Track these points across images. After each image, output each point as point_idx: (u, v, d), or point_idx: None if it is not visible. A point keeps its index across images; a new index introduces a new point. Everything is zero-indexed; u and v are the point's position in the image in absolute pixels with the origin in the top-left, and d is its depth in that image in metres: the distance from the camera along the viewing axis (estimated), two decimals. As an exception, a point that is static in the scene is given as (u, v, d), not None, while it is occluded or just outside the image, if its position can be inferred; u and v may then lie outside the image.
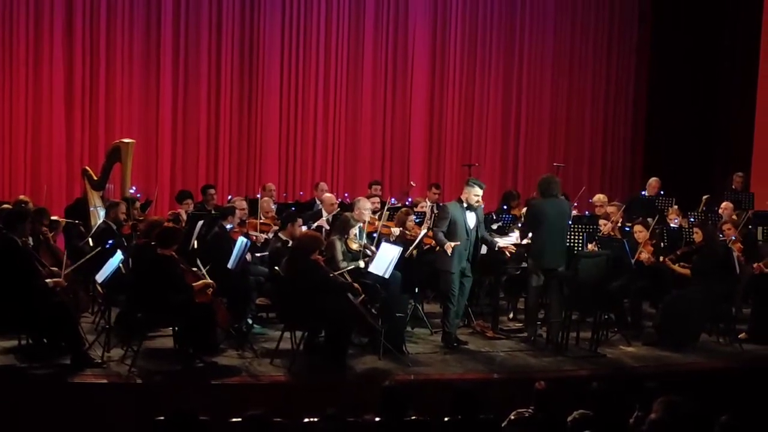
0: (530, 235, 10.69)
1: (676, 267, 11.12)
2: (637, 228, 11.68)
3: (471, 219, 10.28)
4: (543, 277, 10.51)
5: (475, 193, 10.31)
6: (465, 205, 10.30)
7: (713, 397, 8.19)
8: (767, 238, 12.58)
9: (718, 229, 12.25)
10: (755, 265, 11.34)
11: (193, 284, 9.26)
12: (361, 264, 10.34)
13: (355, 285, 9.78)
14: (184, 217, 12.24)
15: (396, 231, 11.49)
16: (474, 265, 10.43)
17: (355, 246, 10.60)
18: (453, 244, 10.05)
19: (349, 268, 10.19)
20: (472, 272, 10.47)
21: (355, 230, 10.73)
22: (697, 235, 11.19)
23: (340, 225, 10.75)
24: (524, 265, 11.15)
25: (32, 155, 15.35)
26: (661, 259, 11.22)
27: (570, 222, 12.18)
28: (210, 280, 9.41)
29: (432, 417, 7.03)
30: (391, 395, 7.10)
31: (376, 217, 11.86)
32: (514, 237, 11.20)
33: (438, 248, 10.38)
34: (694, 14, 18.24)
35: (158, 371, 9.06)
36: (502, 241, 10.69)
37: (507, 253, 10.71)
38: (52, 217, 11.31)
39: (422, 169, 17.58)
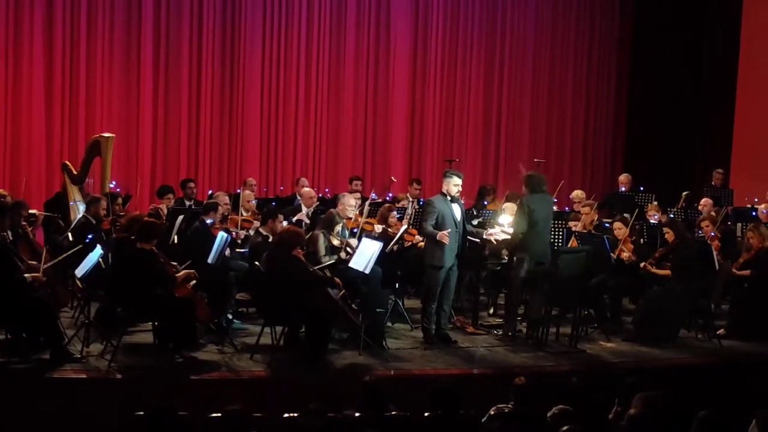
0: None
1: (656, 270, 11.11)
2: (617, 225, 11.70)
3: (457, 211, 10.31)
4: (527, 270, 10.52)
5: (454, 183, 10.33)
6: (448, 197, 10.32)
7: (692, 393, 8.24)
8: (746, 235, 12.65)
9: (697, 225, 12.31)
10: (733, 267, 11.41)
11: (177, 275, 9.28)
12: (343, 255, 10.34)
13: (336, 280, 9.79)
14: (165, 211, 12.22)
15: (378, 228, 11.49)
16: (460, 259, 10.45)
17: (336, 242, 10.61)
18: (446, 231, 10.06)
19: (330, 262, 10.19)
20: (460, 266, 10.48)
21: (338, 227, 10.74)
22: (669, 235, 11.18)
23: (326, 220, 10.75)
24: (504, 260, 11.18)
25: (11, 149, 15.25)
26: (642, 265, 11.21)
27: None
28: (192, 271, 9.44)
29: (412, 412, 7.04)
30: (371, 390, 7.11)
31: (357, 212, 11.85)
32: (497, 230, 11.17)
33: (424, 244, 10.40)
34: (675, 11, 18.30)
35: (138, 366, 9.04)
36: (489, 230, 10.69)
37: (493, 241, 10.69)
38: (31, 210, 11.29)
39: (403, 164, 17.59)
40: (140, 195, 14.62)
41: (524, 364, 9.73)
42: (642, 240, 12.12)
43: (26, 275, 9.06)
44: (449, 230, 10.08)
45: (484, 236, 10.64)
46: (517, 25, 18.21)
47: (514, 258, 10.68)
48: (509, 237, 10.82)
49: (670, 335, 10.82)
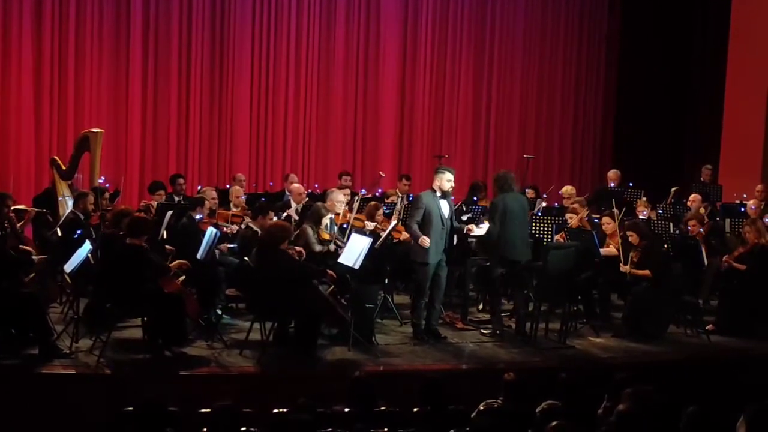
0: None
1: (636, 271, 11.05)
2: (605, 220, 11.71)
3: (445, 208, 10.32)
4: (504, 269, 10.52)
5: (447, 179, 10.35)
6: (438, 194, 10.33)
7: (680, 388, 8.26)
8: (734, 231, 12.68)
9: (683, 223, 12.31)
10: (724, 258, 11.43)
11: (171, 264, 9.29)
12: (332, 248, 10.35)
13: (328, 271, 9.82)
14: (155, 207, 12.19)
15: (370, 225, 11.50)
16: (448, 255, 10.46)
17: (326, 236, 10.61)
18: (427, 240, 10.10)
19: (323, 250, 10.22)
20: (448, 263, 10.52)
21: (326, 220, 10.75)
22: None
23: (313, 214, 10.75)
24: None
25: (0, 145, 15.20)
26: (622, 269, 11.10)
27: (539, 213, 12.28)
28: (185, 261, 9.45)
29: (401, 408, 7.05)
30: (360, 386, 7.11)
31: (347, 208, 11.85)
32: (484, 228, 11.19)
33: (412, 241, 10.43)
34: (664, 6, 18.34)
35: (127, 362, 9.04)
36: (471, 225, 10.74)
37: (470, 236, 10.70)
38: (20, 206, 11.26)
39: (393, 160, 17.59)
40: (129, 190, 14.58)
41: (513, 360, 9.76)
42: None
43: (33, 257, 9.09)
44: (427, 239, 10.12)
45: (464, 231, 10.66)
46: (506, 22, 18.22)
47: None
48: (483, 234, 10.86)
49: (659, 331, 10.83)
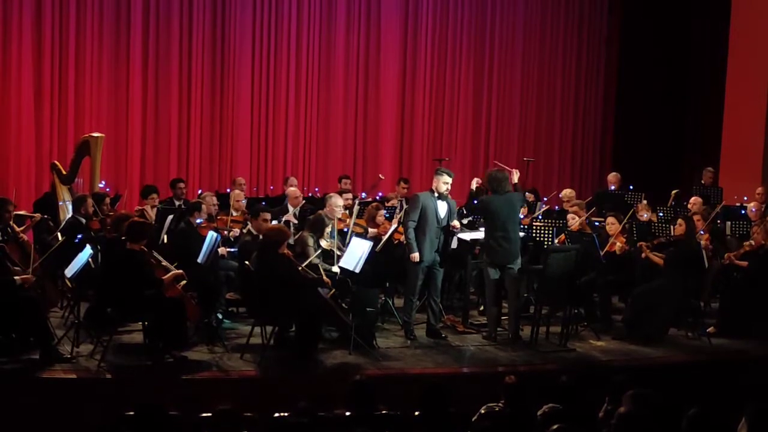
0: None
1: (650, 254, 11.08)
2: (610, 220, 11.69)
3: (442, 208, 10.40)
4: (499, 271, 10.52)
5: (444, 181, 10.46)
6: (436, 194, 10.41)
7: (681, 391, 8.25)
8: (735, 234, 12.68)
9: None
10: (726, 255, 11.44)
11: (164, 277, 9.27)
12: (335, 269, 10.31)
13: (325, 279, 9.80)
14: (150, 211, 12.19)
15: (373, 231, 11.49)
16: (444, 256, 10.48)
17: (325, 244, 10.59)
18: (418, 257, 10.27)
19: (321, 264, 10.18)
20: (442, 264, 10.56)
21: (329, 229, 10.75)
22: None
23: (314, 223, 10.73)
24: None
25: (0, 149, 15.19)
26: (639, 244, 11.22)
27: (540, 217, 12.27)
28: (180, 271, 9.43)
29: (402, 411, 7.04)
30: (361, 389, 7.11)
31: (347, 213, 11.83)
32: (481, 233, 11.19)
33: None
34: (663, 8, 18.35)
35: (128, 366, 9.04)
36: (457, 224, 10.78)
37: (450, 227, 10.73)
38: (21, 212, 11.26)
39: (393, 163, 17.57)
40: (129, 195, 14.56)
41: (514, 363, 9.76)
42: (633, 238, 12.10)
43: (15, 277, 9.05)
44: (417, 256, 10.31)
45: (450, 227, 10.69)
46: (506, 25, 18.21)
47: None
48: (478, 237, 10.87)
49: (659, 333, 10.82)
